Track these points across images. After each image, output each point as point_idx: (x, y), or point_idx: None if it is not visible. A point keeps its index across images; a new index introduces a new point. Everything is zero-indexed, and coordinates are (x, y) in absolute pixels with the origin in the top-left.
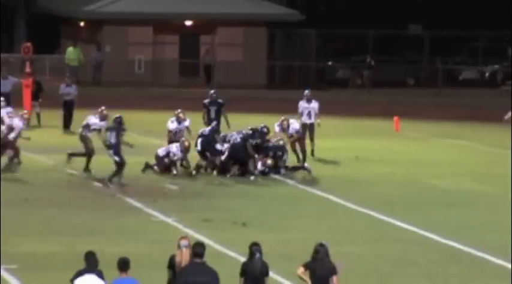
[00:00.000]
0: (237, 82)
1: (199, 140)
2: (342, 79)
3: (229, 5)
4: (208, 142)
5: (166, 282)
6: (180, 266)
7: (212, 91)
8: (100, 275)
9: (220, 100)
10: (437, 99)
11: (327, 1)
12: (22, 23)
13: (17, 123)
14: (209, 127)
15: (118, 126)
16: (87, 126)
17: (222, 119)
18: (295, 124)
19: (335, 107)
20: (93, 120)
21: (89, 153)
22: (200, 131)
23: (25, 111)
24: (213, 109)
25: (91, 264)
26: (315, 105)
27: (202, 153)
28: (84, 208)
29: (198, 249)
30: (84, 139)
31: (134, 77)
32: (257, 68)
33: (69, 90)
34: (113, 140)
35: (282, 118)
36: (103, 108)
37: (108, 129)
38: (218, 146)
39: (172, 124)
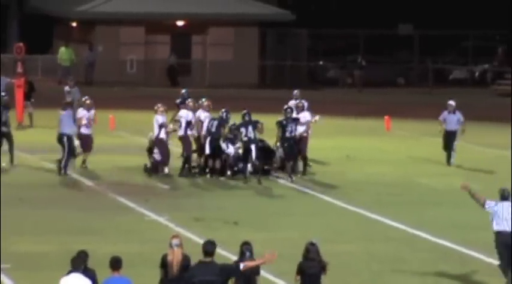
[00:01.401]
0: (228, 82)
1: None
2: (333, 79)
3: (220, 5)
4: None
5: (158, 281)
6: (172, 265)
7: (184, 90)
8: (87, 274)
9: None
10: (428, 98)
11: (318, 1)
12: (14, 23)
13: None
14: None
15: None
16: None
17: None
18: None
19: (326, 106)
20: (82, 112)
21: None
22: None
23: None
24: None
25: (75, 264)
26: (304, 104)
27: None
28: (76, 208)
29: (208, 247)
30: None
31: (126, 77)
32: (248, 67)
33: (72, 92)
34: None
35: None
36: (86, 97)
37: None
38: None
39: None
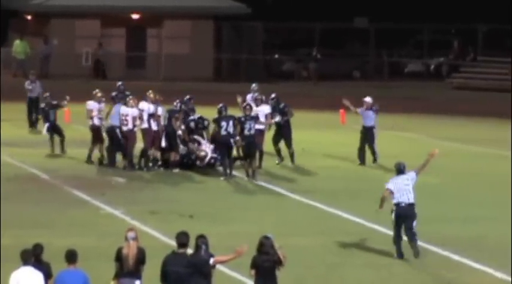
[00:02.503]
0: (184, 75)
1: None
2: (289, 72)
3: None
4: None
5: (113, 274)
6: (127, 258)
7: (120, 83)
8: (40, 267)
9: (128, 93)
10: (383, 91)
11: None
12: None
13: None
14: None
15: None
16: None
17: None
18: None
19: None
20: (93, 105)
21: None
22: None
23: None
24: (119, 102)
25: (25, 257)
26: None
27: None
28: (31, 201)
29: (182, 239)
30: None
31: (81, 70)
32: (204, 60)
33: (33, 87)
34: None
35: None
36: (97, 90)
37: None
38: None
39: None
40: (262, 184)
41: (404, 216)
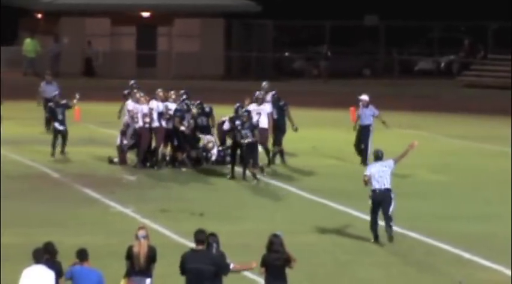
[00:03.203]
0: (194, 73)
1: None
2: (299, 70)
3: None
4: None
5: (124, 273)
6: (138, 257)
7: (132, 81)
8: (52, 266)
9: (125, 92)
10: (394, 89)
11: None
12: None
13: None
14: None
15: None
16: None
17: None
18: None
19: (292, 98)
20: (156, 103)
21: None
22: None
23: None
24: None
25: (37, 256)
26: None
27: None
28: (42, 200)
29: (199, 236)
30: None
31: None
32: (214, 59)
33: (50, 88)
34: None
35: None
36: (142, 93)
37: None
38: None
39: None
40: (272, 181)
41: (381, 201)
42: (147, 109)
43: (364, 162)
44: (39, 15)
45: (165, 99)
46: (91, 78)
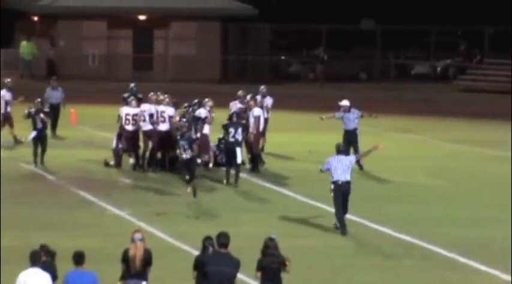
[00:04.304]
0: (190, 77)
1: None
2: (295, 74)
3: None
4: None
5: (120, 276)
6: (134, 260)
7: (132, 84)
8: (46, 268)
9: (140, 95)
10: (390, 93)
11: None
12: None
13: None
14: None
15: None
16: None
17: None
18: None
19: (288, 101)
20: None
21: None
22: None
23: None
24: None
25: (34, 258)
26: (269, 101)
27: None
28: (37, 202)
29: (223, 239)
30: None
31: (88, 71)
32: (210, 62)
33: (55, 94)
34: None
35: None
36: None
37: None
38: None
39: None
40: (268, 185)
41: (343, 191)
42: (138, 112)
43: (359, 165)
44: (36, 18)
45: (158, 102)
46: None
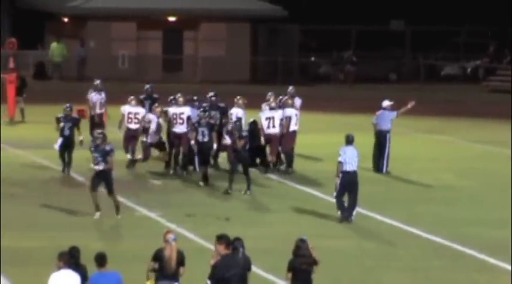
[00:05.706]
0: (220, 78)
1: None
2: (325, 75)
3: (212, 0)
4: None
5: (146, 272)
6: (170, 260)
7: (148, 86)
8: (77, 270)
9: (155, 95)
10: (419, 94)
11: None
12: (6, 18)
13: None
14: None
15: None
16: None
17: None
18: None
19: (317, 102)
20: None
21: None
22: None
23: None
24: (147, 104)
25: (63, 260)
26: (297, 101)
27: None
28: (67, 204)
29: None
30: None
31: (118, 72)
32: (240, 63)
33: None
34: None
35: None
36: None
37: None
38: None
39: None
40: (298, 186)
41: (352, 182)
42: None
43: (381, 169)
44: (66, 19)
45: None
46: (44, 80)
